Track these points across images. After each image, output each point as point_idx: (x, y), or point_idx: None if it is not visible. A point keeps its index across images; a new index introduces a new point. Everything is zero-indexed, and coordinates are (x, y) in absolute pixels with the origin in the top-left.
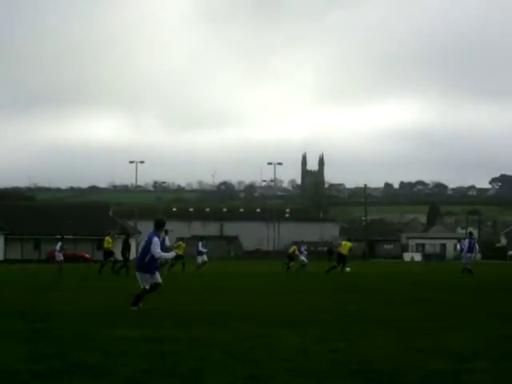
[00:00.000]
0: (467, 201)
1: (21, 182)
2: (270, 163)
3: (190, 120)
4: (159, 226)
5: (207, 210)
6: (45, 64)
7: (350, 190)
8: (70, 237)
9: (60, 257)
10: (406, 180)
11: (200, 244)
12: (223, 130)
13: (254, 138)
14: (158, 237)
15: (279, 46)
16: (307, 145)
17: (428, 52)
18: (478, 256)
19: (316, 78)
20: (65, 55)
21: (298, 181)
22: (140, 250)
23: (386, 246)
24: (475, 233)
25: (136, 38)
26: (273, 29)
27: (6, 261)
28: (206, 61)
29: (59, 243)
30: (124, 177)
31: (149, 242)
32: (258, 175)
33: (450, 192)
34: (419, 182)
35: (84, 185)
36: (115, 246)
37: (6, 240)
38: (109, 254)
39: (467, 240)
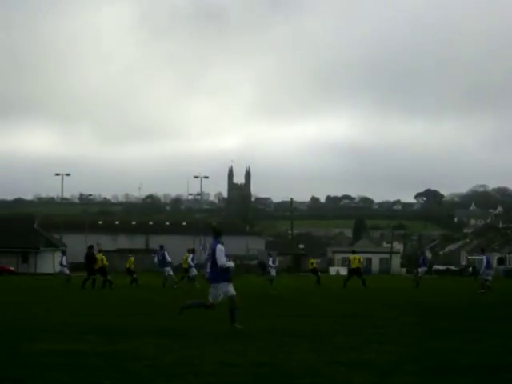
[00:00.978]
0: (393, 215)
1: None
2: (196, 176)
3: (121, 132)
4: (219, 234)
5: (133, 223)
6: None
7: (276, 203)
8: None
9: None
10: (332, 194)
11: (191, 256)
12: (152, 143)
13: (181, 151)
14: (222, 244)
15: (216, 60)
16: (234, 158)
17: (359, 66)
18: (403, 271)
19: (249, 91)
20: (3, 65)
21: (225, 194)
22: (207, 261)
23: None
24: (400, 247)
25: (70, 49)
26: (211, 41)
27: None
28: (141, 73)
29: None
30: (50, 189)
31: (214, 251)
32: (185, 188)
33: (376, 206)
34: (345, 196)
35: (9, 197)
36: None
37: None
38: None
39: (484, 257)
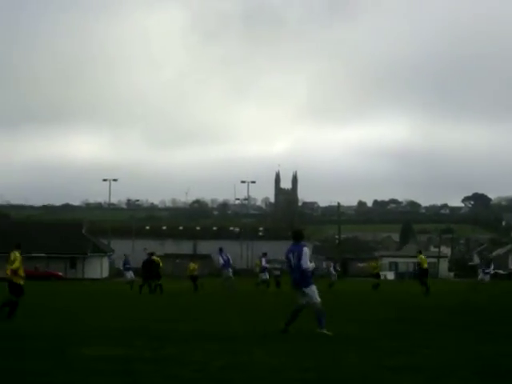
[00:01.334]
0: (440, 219)
1: None
2: (243, 181)
3: (169, 137)
4: (302, 237)
5: (180, 228)
6: (24, 81)
7: (323, 208)
8: (43, 255)
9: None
10: (379, 198)
11: (264, 259)
12: (199, 148)
13: (229, 156)
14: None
15: (266, 64)
16: (281, 163)
17: (407, 69)
18: (451, 275)
19: (299, 96)
20: (46, 72)
21: (272, 199)
22: (295, 266)
23: (359, 264)
24: (447, 251)
25: (120, 54)
26: (262, 46)
27: None
28: (191, 77)
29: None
30: (98, 195)
31: (301, 254)
32: (232, 193)
33: (423, 210)
34: (392, 201)
35: (57, 202)
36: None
37: None
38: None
39: None
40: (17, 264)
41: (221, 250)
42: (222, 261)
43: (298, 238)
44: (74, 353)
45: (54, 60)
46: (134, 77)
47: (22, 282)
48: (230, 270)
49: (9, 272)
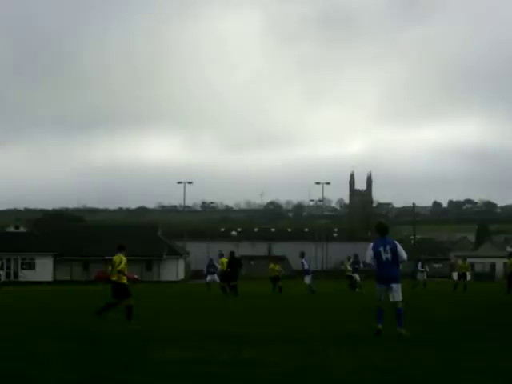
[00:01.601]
0: None
1: (70, 203)
2: (318, 183)
3: (244, 139)
4: (388, 230)
5: (255, 230)
6: (98, 85)
7: (398, 209)
8: None
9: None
10: (454, 199)
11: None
12: (274, 150)
13: (304, 157)
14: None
15: (344, 65)
16: (356, 164)
17: (487, 69)
18: None
19: (376, 96)
20: (120, 75)
21: (347, 200)
22: (387, 260)
23: (434, 265)
24: None
25: (195, 56)
26: (339, 47)
27: (55, 282)
28: (267, 80)
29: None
30: (173, 197)
31: (395, 247)
32: (306, 195)
33: (499, 210)
34: (468, 201)
35: (133, 206)
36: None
37: (55, 261)
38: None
39: None
40: (122, 265)
41: (303, 255)
42: (306, 265)
43: (385, 231)
44: (155, 356)
45: (128, 63)
46: (209, 79)
47: (126, 282)
48: (310, 275)
49: (115, 274)
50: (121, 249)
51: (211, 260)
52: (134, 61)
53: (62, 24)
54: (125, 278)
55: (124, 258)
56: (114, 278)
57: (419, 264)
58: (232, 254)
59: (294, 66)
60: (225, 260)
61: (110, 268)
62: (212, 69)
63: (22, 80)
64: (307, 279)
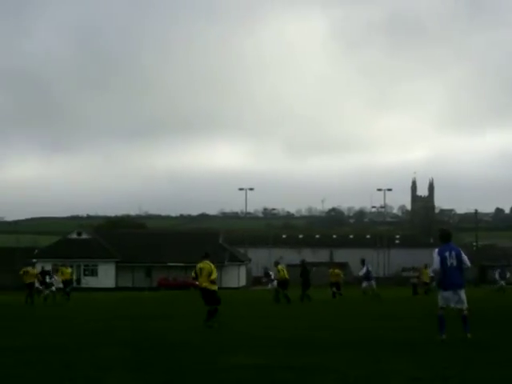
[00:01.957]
0: None
1: (132, 210)
2: (379, 189)
3: (307, 146)
4: (451, 237)
5: (317, 236)
6: (161, 93)
7: (460, 215)
8: (181, 264)
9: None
10: None
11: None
12: (337, 156)
13: (366, 163)
14: None
15: (409, 71)
16: (418, 170)
17: None
18: None
19: (440, 102)
20: (183, 83)
21: (408, 206)
22: (452, 266)
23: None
24: None
25: (260, 63)
26: (403, 53)
27: (117, 288)
28: (333, 86)
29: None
30: (234, 204)
31: (460, 254)
32: (368, 201)
33: None
34: None
35: (194, 212)
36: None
37: (117, 268)
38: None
39: None
40: (215, 276)
41: (363, 261)
42: (364, 271)
43: (448, 238)
44: (215, 362)
45: (191, 71)
46: (274, 86)
47: (216, 289)
48: (373, 282)
49: (204, 281)
50: (207, 256)
51: (266, 268)
52: (199, 68)
53: (129, 34)
54: (215, 285)
55: (214, 266)
56: (205, 285)
57: (498, 271)
58: (303, 262)
59: (358, 71)
60: (281, 268)
61: (193, 274)
62: (276, 75)
63: (86, 88)
64: (368, 285)
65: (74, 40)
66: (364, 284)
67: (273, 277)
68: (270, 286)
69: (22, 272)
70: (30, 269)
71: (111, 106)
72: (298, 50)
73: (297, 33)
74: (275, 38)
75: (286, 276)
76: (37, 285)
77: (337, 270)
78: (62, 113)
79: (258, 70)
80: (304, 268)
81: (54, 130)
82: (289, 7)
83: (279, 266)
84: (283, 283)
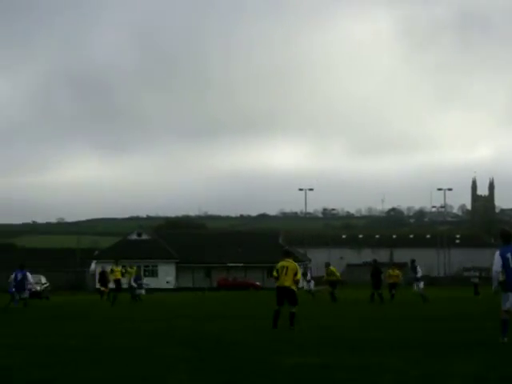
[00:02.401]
0: None
1: (192, 211)
2: (440, 189)
3: (367, 146)
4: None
5: (377, 236)
6: (221, 92)
7: None
8: (240, 265)
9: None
10: None
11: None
12: (397, 156)
13: (426, 163)
14: None
15: (476, 70)
16: (478, 170)
17: None
18: None
19: (503, 101)
20: (243, 82)
21: (469, 206)
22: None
23: None
24: None
25: (324, 62)
26: (469, 51)
27: (177, 289)
28: (397, 85)
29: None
30: (294, 204)
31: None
32: (428, 201)
33: None
34: None
35: (254, 213)
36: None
37: (177, 268)
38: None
39: None
40: (299, 276)
41: (413, 262)
42: (420, 273)
43: (509, 238)
44: (274, 362)
45: (252, 70)
46: (337, 85)
47: (296, 289)
48: (421, 282)
49: (287, 280)
50: (288, 254)
51: (305, 269)
52: (262, 67)
53: (192, 33)
54: (296, 286)
55: (297, 265)
56: (288, 284)
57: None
58: (375, 262)
59: (422, 70)
60: (333, 269)
61: (275, 273)
62: (340, 74)
63: (148, 89)
64: (419, 286)
65: (136, 40)
66: (417, 285)
67: (309, 277)
68: (305, 286)
69: (109, 270)
70: (114, 267)
71: (173, 106)
72: (366, 47)
73: (363, 32)
74: (341, 37)
75: (339, 277)
76: (98, 286)
77: (396, 271)
78: (123, 113)
79: (320, 69)
80: (375, 268)
81: (115, 130)
82: (355, 6)
83: (331, 268)
84: (334, 283)
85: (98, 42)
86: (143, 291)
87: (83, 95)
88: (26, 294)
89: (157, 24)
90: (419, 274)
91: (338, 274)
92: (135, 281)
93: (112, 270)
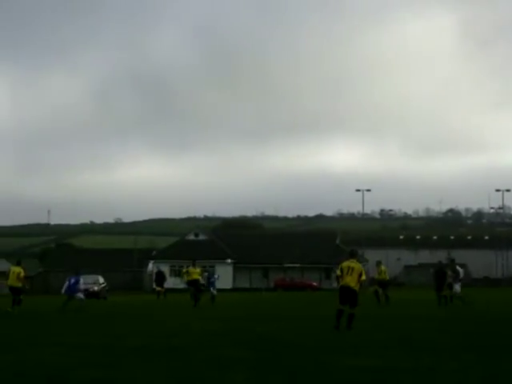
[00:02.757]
0: None
1: (249, 211)
2: (498, 190)
3: (425, 146)
4: None
5: (434, 237)
6: (290, 93)
7: None
8: (297, 265)
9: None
10: None
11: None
12: (455, 156)
13: (484, 163)
14: None
15: None
16: None
17: None
18: None
19: None
20: (310, 84)
21: None
22: None
23: None
24: None
25: (382, 63)
26: None
27: (234, 289)
28: (457, 85)
29: None
30: (351, 205)
31: None
32: (486, 202)
33: None
34: None
35: (311, 213)
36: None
37: (234, 268)
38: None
39: None
40: (364, 276)
41: (452, 261)
42: (462, 274)
43: None
44: (332, 362)
45: (313, 72)
46: (394, 85)
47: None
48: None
49: (352, 280)
50: (354, 254)
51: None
52: (320, 69)
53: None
54: (359, 287)
55: (362, 266)
56: (352, 285)
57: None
58: (439, 263)
59: (483, 71)
60: (384, 268)
61: (338, 273)
62: (399, 74)
63: (208, 90)
64: (456, 288)
65: (199, 40)
66: (455, 287)
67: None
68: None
69: (184, 271)
70: (191, 268)
71: (232, 106)
72: (429, 46)
73: (423, 32)
74: (401, 37)
75: (387, 277)
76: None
77: (450, 272)
78: (184, 113)
79: (379, 69)
80: (440, 270)
81: (176, 130)
82: (416, 6)
83: (382, 267)
84: (384, 283)
85: (160, 41)
86: (215, 292)
87: (145, 95)
88: (81, 296)
89: (220, 24)
90: (461, 275)
91: (386, 274)
92: (208, 280)
93: (188, 272)
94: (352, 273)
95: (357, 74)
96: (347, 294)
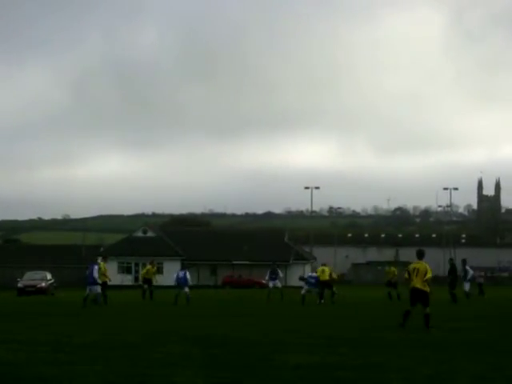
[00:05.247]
0: None
1: (197, 208)
2: (445, 188)
3: (375, 145)
4: None
5: (382, 235)
6: (266, 90)
7: None
8: (246, 262)
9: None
10: None
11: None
12: (403, 155)
13: (431, 162)
14: None
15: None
16: (483, 170)
17: None
18: None
19: None
20: (287, 81)
21: (475, 206)
22: None
23: None
24: None
25: (357, 61)
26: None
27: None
28: (435, 82)
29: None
30: (300, 203)
31: None
32: (434, 200)
33: None
34: None
35: (259, 211)
36: None
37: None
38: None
39: None
40: (430, 275)
41: (464, 261)
42: (470, 274)
43: None
44: (278, 360)
45: (290, 69)
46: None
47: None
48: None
49: (418, 281)
50: (422, 255)
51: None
52: (297, 67)
53: (237, 29)
54: (428, 287)
55: (429, 266)
56: (418, 286)
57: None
58: (451, 260)
59: (465, 67)
60: (394, 269)
61: (406, 275)
62: (379, 71)
63: (186, 85)
64: (467, 286)
65: (173, 36)
66: (464, 285)
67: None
68: (271, 284)
69: (147, 269)
70: (149, 267)
71: (205, 103)
72: (410, 42)
73: (413, 26)
74: (384, 33)
75: (327, 277)
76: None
77: (393, 269)
78: (157, 109)
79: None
80: (453, 267)
81: (146, 126)
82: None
83: (325, 268)
84: (328, 284)
85: (134, 35)
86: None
87: (115, 89)
88: (95, 290)
89: (195, 19)
90: (469, 275)
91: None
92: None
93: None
94: (418, 274)
95: (342, 69)
96: (417, 296)
